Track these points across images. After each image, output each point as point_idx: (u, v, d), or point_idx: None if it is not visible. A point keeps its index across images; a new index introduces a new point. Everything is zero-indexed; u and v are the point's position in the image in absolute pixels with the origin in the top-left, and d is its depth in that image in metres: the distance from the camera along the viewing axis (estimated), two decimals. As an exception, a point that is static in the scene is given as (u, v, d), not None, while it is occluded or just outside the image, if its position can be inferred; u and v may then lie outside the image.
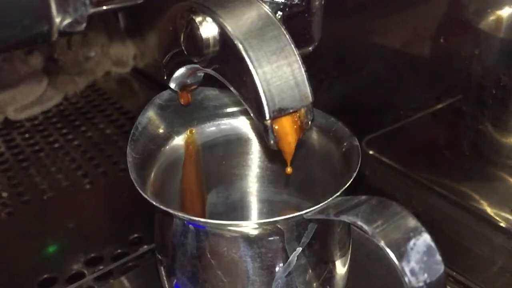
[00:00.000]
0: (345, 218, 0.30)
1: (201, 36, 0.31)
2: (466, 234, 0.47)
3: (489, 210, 0.46)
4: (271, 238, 0.33)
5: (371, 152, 0.54)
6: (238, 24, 0.30)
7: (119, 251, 0.51)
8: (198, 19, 0.31)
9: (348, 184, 0.33)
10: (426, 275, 0.27)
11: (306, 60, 0.31)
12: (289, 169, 0.35)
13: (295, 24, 0.34)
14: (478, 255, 0.47)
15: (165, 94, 0.40)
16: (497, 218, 0.45)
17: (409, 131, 0.50)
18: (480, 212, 0.46)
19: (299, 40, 0.32)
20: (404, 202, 0.30)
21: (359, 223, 0.29)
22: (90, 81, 0.80)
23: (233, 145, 0.43)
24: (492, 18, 0.41)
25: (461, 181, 0.47)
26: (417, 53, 0.48)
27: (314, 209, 0.32)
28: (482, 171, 0.46)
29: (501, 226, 0.45)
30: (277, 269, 0.33)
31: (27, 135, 0.70)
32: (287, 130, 0.31)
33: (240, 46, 0.30)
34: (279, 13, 0.33)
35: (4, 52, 0.63)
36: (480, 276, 0.47)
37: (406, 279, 0.27)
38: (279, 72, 0.30)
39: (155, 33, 0.74)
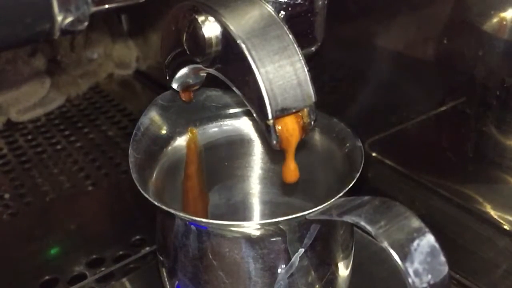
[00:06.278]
0: (348, 218, 0.29)
1: (204, 36, 0.31)
2: (470, 236, 0.47)
3: (493, 213, 0.45)
4: (273, 239, 0.33)
5: (374, 154, 0.54)
6: (241, 24, 0.30)
7: (120, 252, 0.51)
8: (200, 18, 0.31)
9: (351, 185, 0.33)
10: (430, 276, 0.27)
11: (310, 61, 0.31)
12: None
13: (298, 23, 0.33)
14: (482, 258, 0.46)
15: (167, 94, 0.40)
16: (501, 221, 0.45)
17: (412, 133, 0.50)
18: (484, 214, 0.46)
19: (302, 40, 0.32)
20: (407, 204, 0.30)
21: (362, 223, 0.28)
22: (92, 83, 0.80)
23: (236, 146, 0.43)
24: (496, 19, 0.41)
25: (464, 184, 0.47)
26: (420, 54, 0.48)
27: (317, 210, 0.31)
28: (486, 173, 0.46)
29: (505, 229, 0.45)
30: (279, 270, 0.33)
31: (29, 137, 0.70)
32: (289, 130, 0.31)
33: (243, 46, 0.30)
34: (282, 12, 0.33)
35: (6, 50, 0.63)
36: (484, 279, 0.46)
37: (410, 280, 0.27)
38: (281, 71, 0.30)
39: (158, 35, 0.73)
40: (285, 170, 0.34)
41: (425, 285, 0.27)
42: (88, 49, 0.78)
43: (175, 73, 0.36)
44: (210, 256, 0.34)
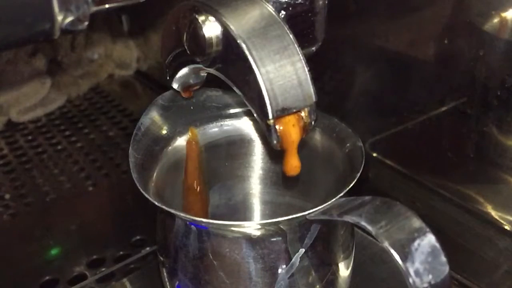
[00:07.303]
0: (348, 218, 0.29)
1: (204, 36, 0.31)
2: (471, 237, 0.47)
3: (494, 213, 0.45)
4: (274, 239, 0.33)
5: (374, 155, 0.54)
6: (241, 23, 0.30)
7: (121, 253, 0.51)
8: (201, 18, 0.31)
9: (352, 185, 0.33)
10: (430, 276, 0.27)
11: (310, 62, 0.31)
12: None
13: (299, 23, 0.33)
14: (483, 258, 0.46)
15: (168, 94, 0.40)
16: (502, 221, 0.45)
17: (413, 133, 0.50)
18: (485, 215, 0.46)
19: (303, 40, 0.32)
20: (408, 204, 0.30)
21: (363, 223, 0.28)
22: (93, 83, 0.80)
23: (236, 146, 0.43)
24: (496, 19, 0.41)
25: (465, 184, 0.47)
26: (421, 55, 0.48)
27: (317, 210, 0.31)
28: (486, 173, 0.46)
29: (506, 229, 0.45)
30: (279, 270, 0.33)
31: (30, 137, 0.70)
32: (290, 130, 0.31)
33: (243, 45, 0.30)
34: (282, 12, 0.33)
35: (6, 50, 0.63)
36: (484, 279, 0.46)
37: (411, 280, 0.27)
38: (282, 71, 0.30)
39: (158, 35, 0.73)
40: (287, 166, 0.33)
41: (426, 285, 0.27)
42: (89, 50, 0.78)
43: (176, 73, 0.36)
44: (211, 256, 0.34)
